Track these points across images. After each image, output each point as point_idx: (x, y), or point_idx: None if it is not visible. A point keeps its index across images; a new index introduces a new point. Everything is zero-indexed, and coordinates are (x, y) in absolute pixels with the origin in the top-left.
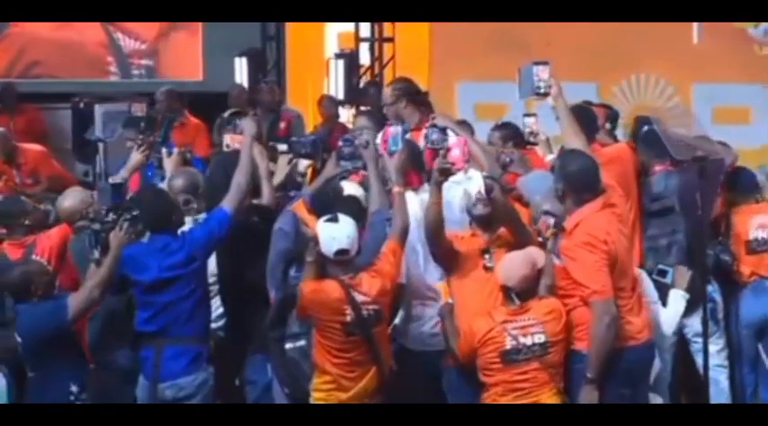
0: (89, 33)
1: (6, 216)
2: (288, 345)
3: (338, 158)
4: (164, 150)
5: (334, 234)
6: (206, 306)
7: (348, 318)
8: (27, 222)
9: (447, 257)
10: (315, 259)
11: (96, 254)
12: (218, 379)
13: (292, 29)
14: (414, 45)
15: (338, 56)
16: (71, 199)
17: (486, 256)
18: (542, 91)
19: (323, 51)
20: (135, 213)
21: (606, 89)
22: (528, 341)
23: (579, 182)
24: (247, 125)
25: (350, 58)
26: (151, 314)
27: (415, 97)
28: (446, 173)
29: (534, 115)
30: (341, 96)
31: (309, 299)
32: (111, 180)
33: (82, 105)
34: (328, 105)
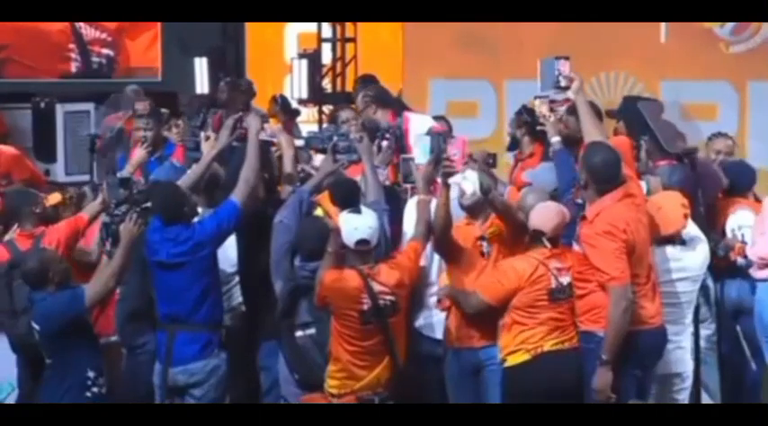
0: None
1: (16, 208)
2: (298, 333)
3: (333, 153)
4: (202, 134)
5: (357, 224)
6: (216, 294)
7: (365, 307)
8: (37, 210)
9: (450, 249)
10: (334, 250)
11: (108, 246)
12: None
13: (252, 29)
14: (376, 45)
15: (301, 56)
16: None
17: (482, 243)
18: (563, 84)
19: (283, 52)
20: (144, 206)
21: None
22: (564, 281)
23: (602, 173)
24: (251, 122)
25: (313, 58)
26: (163, 296)
27: (384, 101)
28: (450, 175)
29: (546, 97)
30: (304, 95)
31: (329, 287)
32: (118, 174)
33: (42, 105)
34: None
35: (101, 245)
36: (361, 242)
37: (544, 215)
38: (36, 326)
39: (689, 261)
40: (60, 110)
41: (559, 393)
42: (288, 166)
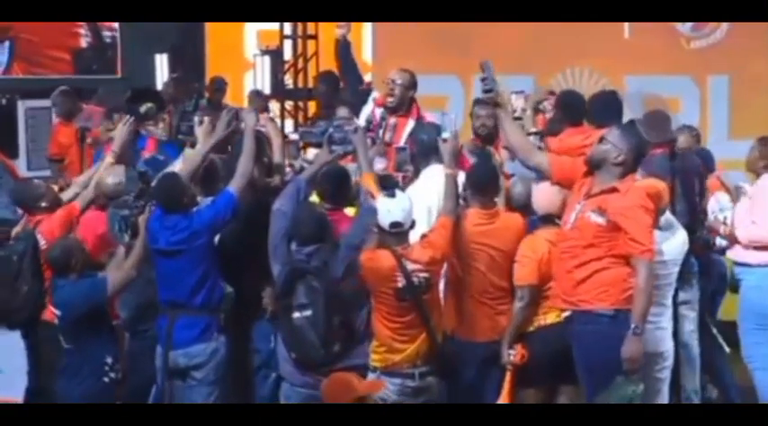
0: None
1: (23, 199)
2: (295, 314)
3: (329, 144)
4: (195, 118)
5: (390, 207)
6: (214, 279)
7: (400, 284)
8: (44, 204)
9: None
10: (377, 230)
11: (126, 238)
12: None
13: (212, 26)
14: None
15: (264, 52)
16: (114, 176)
17: None
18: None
19: (242, 49)
20: None
21: (543, 82)
22: None
23: (639, 154)
24: (247, 115)
25: (275, 55)
26: (163, 282)
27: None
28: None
29: (522, 92)
30: (267, 91)
31: (364, 267)
32: (137, 168)
33: (3, 101)
34: (255, 100)
35: (120, 238)
36: (395, 224)
37: (549, 198)
38: (57, 312)
39: (669, 245)
40: (22, 106)
41: (560, 359)
42: (276, 154)
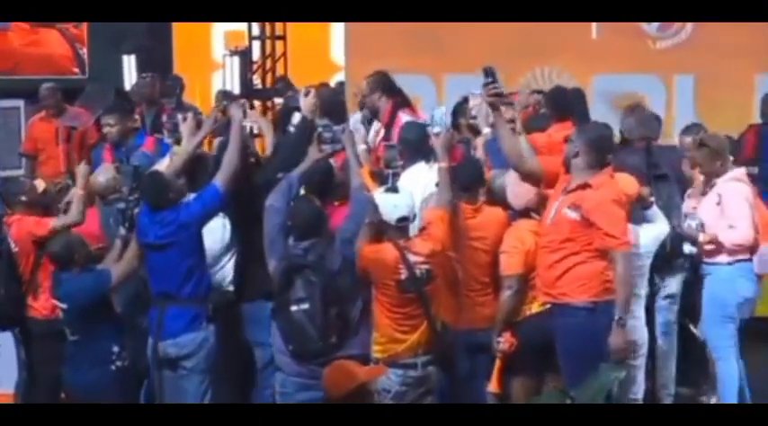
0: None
1: (3, 195)
2: (293, 308)
3: (319, 142)
4: (179, 116)
5: (396, 202)
6: (201, 271)
7: (403, 276)
8: (23, 198)
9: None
10: (371, 220)
11: (123, 231)
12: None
13: (179, 27)
14: (305, 41)
15: (233, 53)
16: (104, 175)
17: None
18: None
19: (210, 49)
20: None
21: (513, 81)
22: None
23: (600, 148)
24: (234, 111)
25: (243, 55)
26: (153, 274)
27: (390, 89)
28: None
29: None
30: (236, 91)
31: (368, 259)
32: (132, 163)
33: None
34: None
35: (117, 230)
36: (402, 219)
37: (525, 195)
38: (62, 305)
39: (643, 238)
40: None
41: (550, 346)
42: (270, 149)
